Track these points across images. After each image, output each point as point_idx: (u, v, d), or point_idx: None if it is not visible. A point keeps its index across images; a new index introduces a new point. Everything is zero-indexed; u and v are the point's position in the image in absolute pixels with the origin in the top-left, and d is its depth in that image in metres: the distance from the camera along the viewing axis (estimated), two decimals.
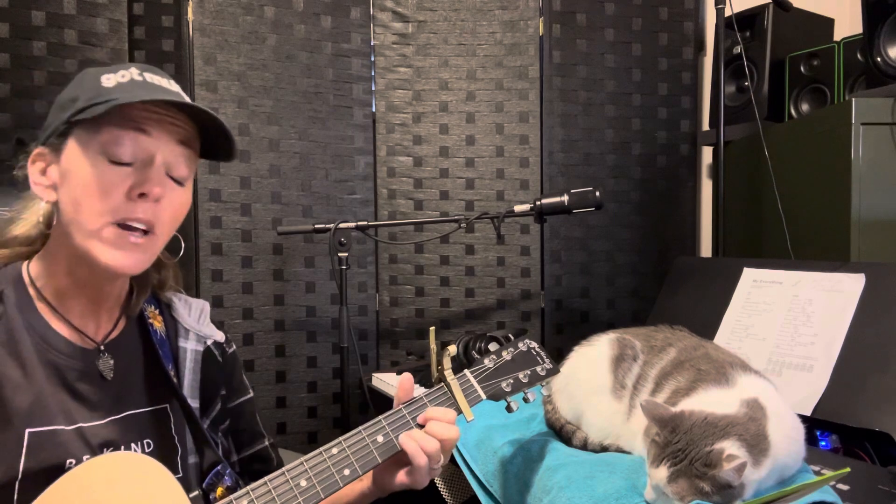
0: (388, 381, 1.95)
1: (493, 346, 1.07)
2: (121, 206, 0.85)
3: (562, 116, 2.29)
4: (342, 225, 1.82)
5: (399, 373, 2.03)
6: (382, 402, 1.93)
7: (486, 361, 1.04)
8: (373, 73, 2.28)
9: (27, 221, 0.94)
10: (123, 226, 0.85)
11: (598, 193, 1.77)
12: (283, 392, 2.16)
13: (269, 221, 2.15)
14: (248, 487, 0.86)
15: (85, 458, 0.86)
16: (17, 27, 1.92)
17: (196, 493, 0.93)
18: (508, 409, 1.02)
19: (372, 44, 2.27)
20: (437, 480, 1.38)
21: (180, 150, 0.89)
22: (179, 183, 0.91)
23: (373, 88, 2.28)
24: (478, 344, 1.67)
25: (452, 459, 1.26)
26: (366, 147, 2.27)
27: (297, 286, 2.18)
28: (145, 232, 0.87)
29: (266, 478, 0.87)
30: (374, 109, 2.28)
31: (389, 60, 2.28)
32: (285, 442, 2.12)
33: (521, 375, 1.03)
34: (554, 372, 1.06)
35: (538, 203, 1.81)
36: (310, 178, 2.20)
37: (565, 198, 1.78)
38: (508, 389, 1.02)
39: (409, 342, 2.29)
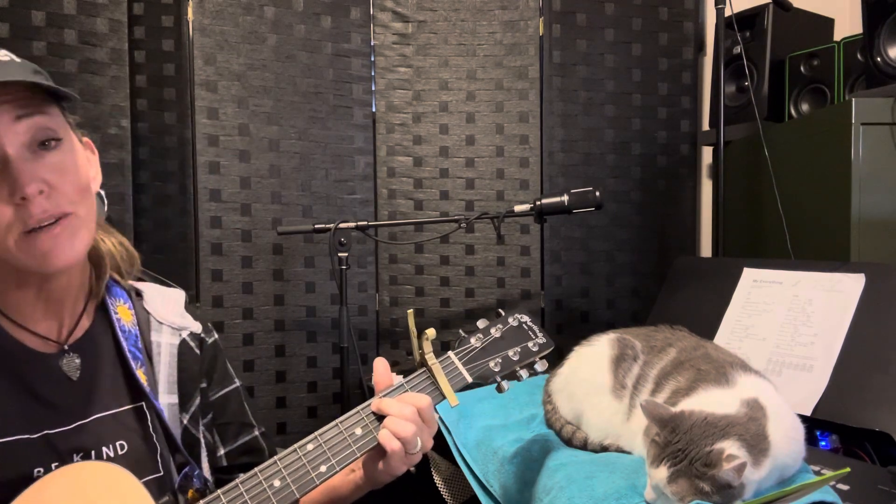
0: None
1: (481, 323, 1.00)
2: (15, 216, 0.79)
3: (562, 116, 2.29)
4: (342, 225, 1.82)
5: (399, 373, 2.02)
6: None
7: (473, 340, 0.98)
8: (373, 73, 2.28)
9: None
10: (36, 229, 0.80)
11: (598, 193, 1.77)
12: (283, 392, 2.16)
13: (269, 221, 2.15)
14: (220, 491, 0.83)
15: (54, 465, 0.83)
16: (17, 27, 1.91)
17: (166, 498, 0.90)
18: (499, 388, 0.97)
19: (372, 44, 2.27)
20: (437, 480, 1.37)
21: (26, 124, 0.80)
22: (49, 145, 0.82)
23: (373, 88, 2.28)
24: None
25: (453, 460, 1.26)
26: (366, 147, 2.27)
27: (297, 286, 2.18)
28: (59, 219, 0.81)
29: (238, 479, 0.84)
30: (374, 109, 2.28)
31: (389, 60, 2.28)
32: (285, 442, 2.11)
33: (510, 353, 0.97)
34: (547, 346, 1.00)
35: (538, 203, 1.81)
36: (310, 178, 2.20)
37: (565, 198, 1.78)
38: (497, 369, 0.96)
39: (409, 342, 2.28)
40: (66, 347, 0.90)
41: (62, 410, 0.87)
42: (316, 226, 1.86)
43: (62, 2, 1.95)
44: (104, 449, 0.89)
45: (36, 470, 0.83)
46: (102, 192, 0.93)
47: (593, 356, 1.16)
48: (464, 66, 2.28)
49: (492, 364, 0.97)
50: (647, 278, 2.34)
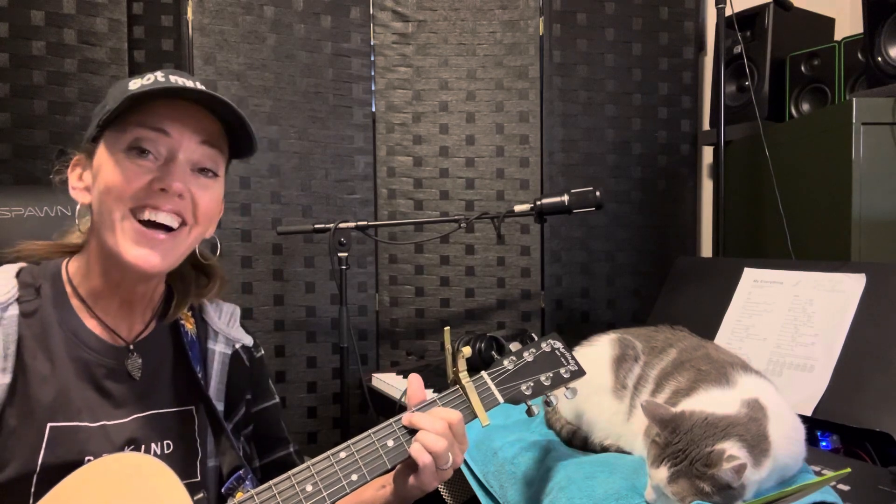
0: (388, 382, 1.94)
1: (514, 346, 1.01)
2: (141, 195, 0.87)
3: (562, 116, 2.29)
4: (342, 225, 1.82)
5: (399, 373, 2.02)
6: (382, 403, 1.92)
7: (506, 363, 0.99)
8: (373, 73, 2.27)
9: (82, 234, 0.98)
10: (146, 222, 0.87)
11: (598, 193, 1.76)
12: (283, 392, 2.15)
13: (268, 221, 2.14)
14: (253, 491, 0.85)
15: (104, 455, 0.87)
16: (17, 27, 1.91)
17: (201, 494, 0.92)
18: (529, 412, 0.97)
19: (372, 43, 2.27)
20: None
21: (203, 150, 0.92)
22: (206, 176, 0.93)
23: (373, 88, 2.28)
24: (478, 344, 1.67)
25: None
26: (366, 147, 2.27)
27: (297, 286, 2.18)
28: (169, 230, 0.89)
29: (272, 482, 0.86)
30: (374, 109, 2.28)
31: (389, 60, 2.28)
32: None
33: (542, 378, 0.98)
34: (579, 374, 1.00)
35: (538, 203, 1.81)
36: (309, 178, 2.19)
37: (565, 198, 1.78)
38: (528, 393, 0.97)
39: (408, 342, 2.28)
40: (131, 347, 0.96)
41: (120, 404, 0.93)
42: (316, 226, 1.85)
43: (61, 1, 1.95)
44: (153, 445, 0.94)
45: (86, 458, 0.87)
46: (216, 238, 1.03)
47: (594, 356, 1.15)
48: (464, 66, 2.28)
49: (523, 387, 0.97)
50: (648, 278, 2.34)
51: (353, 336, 1.98)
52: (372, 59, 2.27)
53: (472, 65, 2.28)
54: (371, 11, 2.26)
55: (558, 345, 1.02)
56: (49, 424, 0.86)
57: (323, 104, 2.20)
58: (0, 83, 1.91)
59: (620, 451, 1.09)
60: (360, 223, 1.85)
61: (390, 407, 1.80)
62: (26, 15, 1.92)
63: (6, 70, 1.91)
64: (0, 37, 1.90)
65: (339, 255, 1.81)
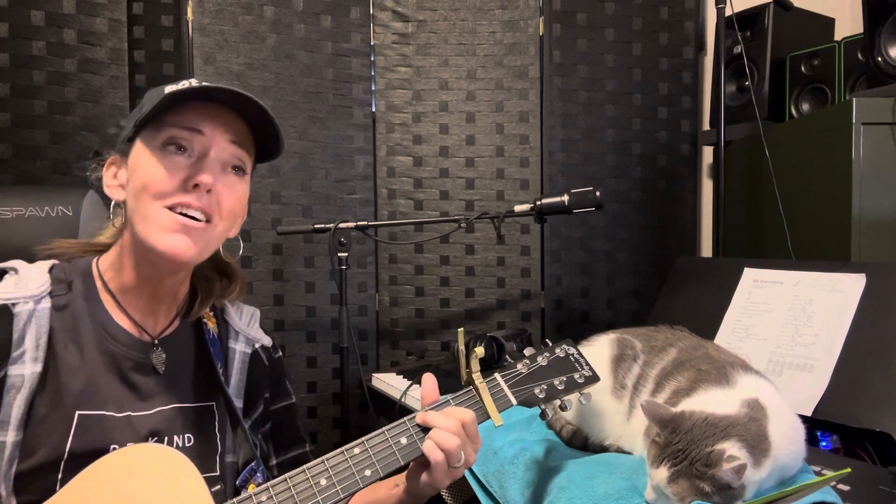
0: (388, 382, 1.94)
1: (528, 351, 1.03)
2: (176, 192, 0.91)
3: (562, 116, 2.29)
4: (342, 225, 1.82)
5: (399, 373, 2.02)
6: (382, 403, 1.92)
7: (519, 366, 1.01)
8: (373, 73, 2.27)
9: (115, 229, 1.02)
10: (179, 213, 0.91)
11: (598, 193, 1.77)
12: None
13: (268, 221, 2.14)
14: (268, 484, 0.87)
15: (128, 445, 0.90)
16: (17, 27, 1.91)
17: (218, 486, 0.95)
18: (542, 415, 1.00)
19: (372, 43, 2.27)
20: None
21: (233, 150, 0.96)
22: (235, 174, 0.97)
23: (373, 88, 2.28)
24: (478, 344, 1.67)
25: None
26: (366, 147, 2.27)
27: (297, 286, 2.18)
28: (199, 221, 0.92)
29: (286, 475, 0.88)
30: (374, 109, 2.28)
31: (389, 60, 2.28)
32: None
33: (556, 382, 1.00)
34: (593, 380, 1.02)
35: (538, 203, 1.81)
36: (309, 177, 2.19)
37: (565, 198, 1.78)
38: (542, 396, 0.98)
39: (408, 342, 2.28)
40: (156, 342, 0.99)
41: (145, 396, 0.97)
42: (316, 226, 1.86)
43: (61, 1, 1.95)
44: (175, 438, 0.97)
45: (112, 447, 0.91)
46: (240, 238, 1.07)
47: (593, 356, 1.15)
48: (464, 66, 2.28)
49: (536, 391, 0.99)
50: (647, 278, 2.34)
51: (353, 336, 1.98)
52: (372, 59, 2.27)
53: (472, 65, 2.28)
54: (371, 11, 2.26)
55: (573, 350, 1.04)
56: (77, 412, 0.90)
57: (323, 104, 2.20)
58: (0, 83, 1.91)
59: (620, 451, 1.09)
60: (360, 223, 1.85)
61: (390, 407, 1.80)
62: (26, 15, 1.92)
63: (6, 70, 1.91)
64: (0, 37, 1.90)
65: (339, 255, 1.81)
